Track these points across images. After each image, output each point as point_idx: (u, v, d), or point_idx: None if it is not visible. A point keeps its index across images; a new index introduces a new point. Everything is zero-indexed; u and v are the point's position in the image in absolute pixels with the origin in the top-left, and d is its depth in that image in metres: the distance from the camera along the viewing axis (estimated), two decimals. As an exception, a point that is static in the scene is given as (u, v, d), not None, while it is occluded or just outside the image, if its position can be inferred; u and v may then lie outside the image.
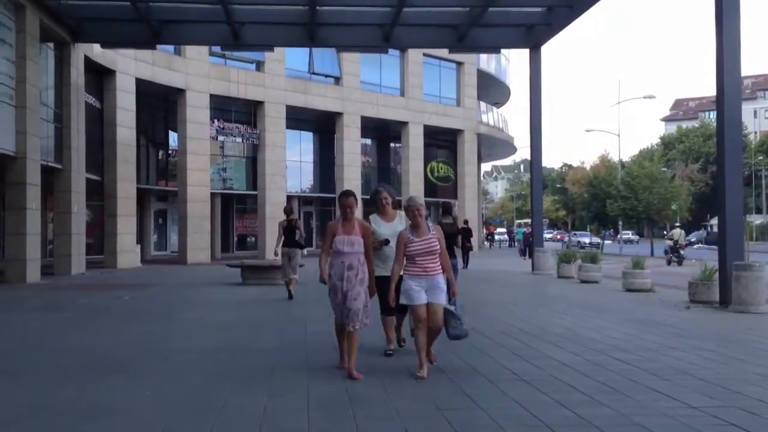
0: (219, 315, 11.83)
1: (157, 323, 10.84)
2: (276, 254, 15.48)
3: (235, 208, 37.91)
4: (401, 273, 6.71)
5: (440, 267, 6.65)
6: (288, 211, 14.90)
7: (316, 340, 8.86)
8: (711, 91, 13.61)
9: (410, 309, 6.65)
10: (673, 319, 11.07)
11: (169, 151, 33.55)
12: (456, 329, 6.75)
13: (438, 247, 6.59)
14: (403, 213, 7.34)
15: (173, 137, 31.98)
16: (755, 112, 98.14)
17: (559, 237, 70.47)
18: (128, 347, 8.54)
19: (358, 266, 6.66)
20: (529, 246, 33.50)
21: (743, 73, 14.06)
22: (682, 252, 30.89)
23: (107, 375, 6.86)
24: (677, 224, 42.30)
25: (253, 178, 34.43)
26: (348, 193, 6.79)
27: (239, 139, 33.25)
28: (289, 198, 35.25)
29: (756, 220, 69.96)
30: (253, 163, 34.41)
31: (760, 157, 77.14)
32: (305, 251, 15.27)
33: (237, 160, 35.60)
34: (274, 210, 32.13)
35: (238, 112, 33.37)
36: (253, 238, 36.12)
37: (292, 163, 35.70)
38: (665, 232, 49.90)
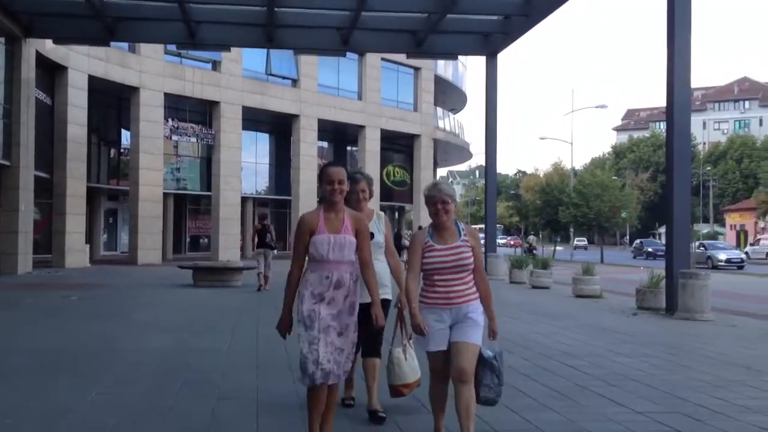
0: (170, 316, 11.67)
1: (106, 324, 10.65)
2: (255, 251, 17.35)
3: (189, 209, 37.46)
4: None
5: (475, 291, 4.43)
6: (261, 217, 18.74)
7: (268, 342, 8.80)
8: (662, 101, 13.91)
9: (427, 356, 4.49)
10: (621, 325, 11.27)
11: (122, 150, 33.01)
12: (491, 390, 4.48)
13: (471, 259, 4.39)
14: (382, 215, 5.47)
15: (126, 136, 31.44)
16: (704, 124, 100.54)
17: (513, 243, 71.21)
18: (77, 348, 8.38)
19: (350, 283, 4.30)
20: None
21: (693, 86, 14.41)
22: (535, 253, 35.19)
23: (55, 376, 6.72)
24: (532, 232, 44.87)
25: (207, 178, 34.07)
26: (337, 164, 4.48)
27: (194, 139, 32.87)
28: (244, 199, 35.00)
29: (703, 229, 71.68)
30: (207, 163, 34.06)
31: (708, 168, 79.14)
32: (275, 251, 17.57)
33: (191, 160, 35.21)
34: (229, 211, 31.91)
35: (192, 112, 32.98)
36: (206, 240, 35.71)
37: (247, 164, 35.43)
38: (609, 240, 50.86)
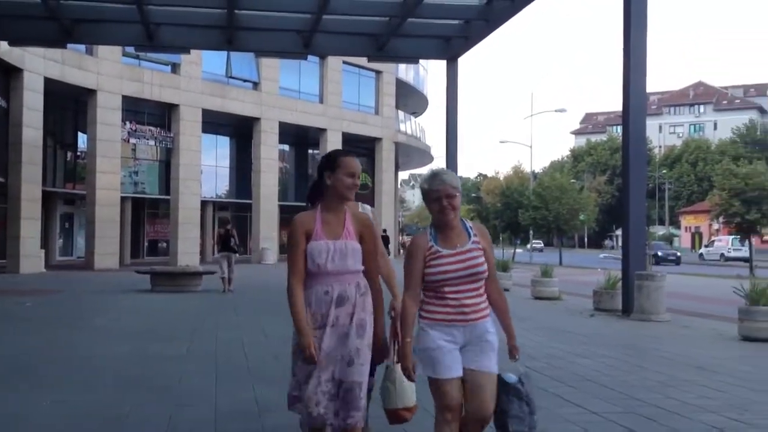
0: (127, 322, 11.51)
1: (61, 330, 10.47)
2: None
3: (147, 213, 36.97)
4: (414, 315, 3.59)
5: (488, 304, 3.63)
6: (225, 221, 20.12)
7: (227, 348, 8.74)
8: (619, 106, 14.15)
9: (433, 386, 3.56)
10: (578, 326, 11.43)
11: (78, 153, 32.48)
12: (522, 422, 3.62)
13: (485, 265, 3.57)
14: (369, 209, 4.53)
15: (83, 139, 30.96)
16: (660, 127, 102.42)
17: None
18: (31, 355, 8.22)
19: (356, 298, 3.52)
20: None
21: (650, 90, 14.70)
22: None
23: (7, 383, 6.58)
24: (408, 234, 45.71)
25: (166, 182, 33.66)
26: (346, 153, 3.71)
27: (152, 142, 32.46)
28: (204, 203, 34.67)
29: (659, 230, 73.01)
30: (166, 166, 33.66)
31: (664, 171, 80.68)
32: (238, 254, 18.44)
33: (149, 163, 34.76)
34: (188, 215, 31.56)
35: (151, 115, 32.58)
36: (165, 244, 35.29)
37: (207, 167, 35.13)
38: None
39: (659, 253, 44.49)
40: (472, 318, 3.52)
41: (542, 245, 72.20)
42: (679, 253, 46.81)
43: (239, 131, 36.78)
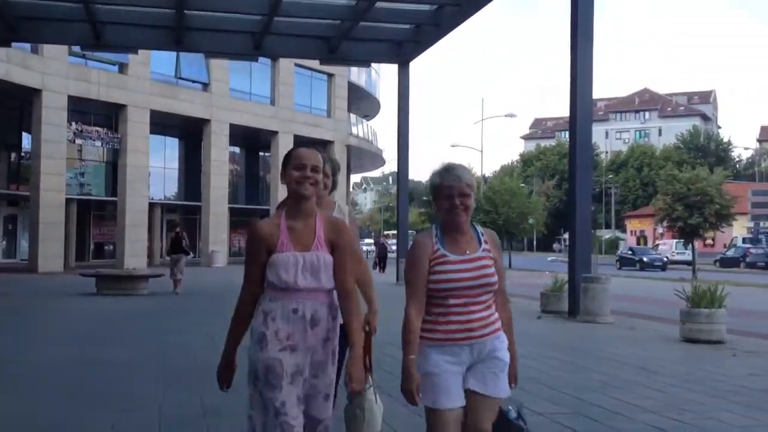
0: (70, 326, 11.28)
1: (1, 335, 10.19)
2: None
3: (93, 215, 36.20)
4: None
5: (498, 318, 3.21)
6: (175, 225, 21.54)
7: (172, 353, 8.63)
8: (567, 111, 14.39)
9: (432, 417, 3.10)
10: (525, 328, 11.55)
11: (23, 154, 31.70)
12: None
13: (495, 275, 3.17)
14: (347, 209, 3.97)
15: (27, 139, 30.21)
16: (606, 133, 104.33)
17: None
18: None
19: (328, 321, 3.06)
20: (383, 258, 34.06)
21: (597, 96, 14.98)
22: None
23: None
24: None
25: (113, 183, 33.04)
26: (301, 146, 3.40)
27: (99, 143, 31.87)
28: (152, 205, 34.13)
29: (605, 234, 74.36)
30: (113, 168, 33.04)
31: (610, 176, 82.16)
32: (188, 256, 19.09)
33: (96, 164, 34.07)
34: (135, 217, 31.05)
35: (98, 115, 31.94)
36: (112, 247, 34.63)
37: (155, 169, 34.58)
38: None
39: (645, 259, 44.12)
40: (480, 335, 3.06)
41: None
42: (665, 258, 44.73)
43: (189, 133, 36.31)
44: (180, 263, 18.03)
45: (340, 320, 3.10)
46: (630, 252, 48.22)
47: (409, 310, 3.06)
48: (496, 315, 3.17)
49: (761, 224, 41.92)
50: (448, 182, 3.09)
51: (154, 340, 9.76)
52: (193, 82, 34.53)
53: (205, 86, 34.85)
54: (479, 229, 3.26)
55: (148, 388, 6.54)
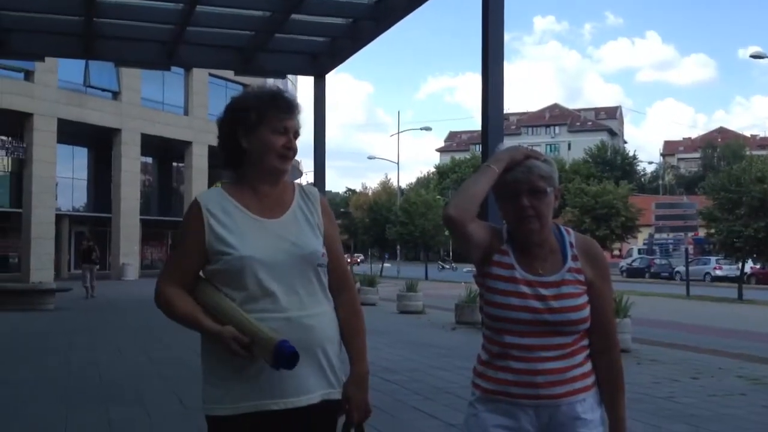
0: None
1: None
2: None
3: (-4, 227, 34.71)
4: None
5: (589, 371, 2.15)
6: (87, 239, 23.57)
7: (78, 369, 8.36)
8: (480, 125, 14.68)
9: None
10: (440, 340, 11.75)
11: None
12: None
13: (585, 310, 2.12)
14: (317, 194, 2.32)
15: None
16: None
17: (350, 260, 71.52)
18: None
19: None
20: None
21: (510, 111, 15.38)
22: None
23: None
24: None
25: (17, 194, 31.75)
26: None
27: (2, 153, 30.60)
28: (59, 217, 32.96)
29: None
30: (18, 178, 31.77)
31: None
32: (98, 267, 21.47)
33: (0, 175, 32.71)
34: (42, 230, 29.95)
35: (2, 124, 30.67)
36: (17, 260, 33.23)
37: (63, 179, 33.45)
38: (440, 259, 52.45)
39: (652, 269, 43.91)
40: (549, 394, 2.08)
41: (452, 262, 71.83)
42: (675, 267, 42.60)
43: (98, 142, 35.26)
44: (93, 273, 20.48)
45: None
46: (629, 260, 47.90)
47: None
48: (587, 367, 2.14)
49: (655, 236, 43.79)
50: (514, 175, 2.15)
51: (59, 356, 9.43)
52: (103, 90, 33.59)
53: (116, 95, 33.97)
54: (568, 237, 2.21)
55: (51, 408, 6.33)
